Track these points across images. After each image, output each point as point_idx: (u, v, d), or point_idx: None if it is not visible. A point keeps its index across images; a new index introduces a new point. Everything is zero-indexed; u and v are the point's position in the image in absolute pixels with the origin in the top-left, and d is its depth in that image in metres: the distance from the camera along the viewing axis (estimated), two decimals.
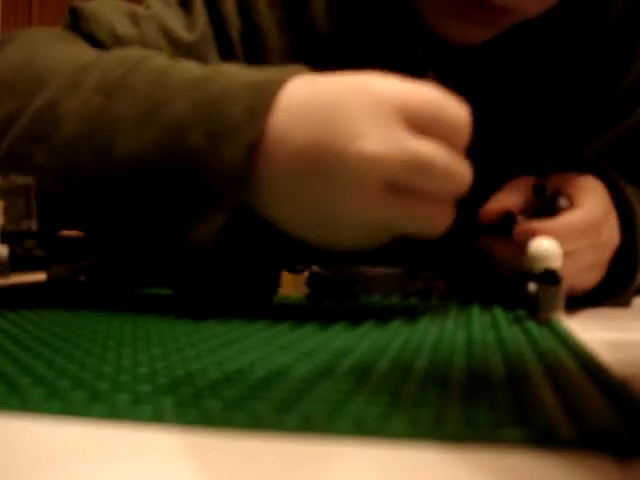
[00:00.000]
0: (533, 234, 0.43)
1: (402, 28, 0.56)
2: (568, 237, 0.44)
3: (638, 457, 0.17)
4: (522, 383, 0.25)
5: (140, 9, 0.55)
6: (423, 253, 0.59)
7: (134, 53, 0.43)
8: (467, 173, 0.36)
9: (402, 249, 0.58)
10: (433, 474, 0.17)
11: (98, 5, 0.54)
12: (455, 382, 0.25)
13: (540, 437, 0.19)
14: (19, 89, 0.43)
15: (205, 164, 0.36)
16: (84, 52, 0.47)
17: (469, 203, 0.40)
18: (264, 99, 0.36)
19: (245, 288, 0.43)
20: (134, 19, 0.54)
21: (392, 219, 0.36)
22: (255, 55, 0.57)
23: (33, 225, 0.81)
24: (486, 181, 0.50)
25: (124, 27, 0.53)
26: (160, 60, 0.42)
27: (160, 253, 0.41)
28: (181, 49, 0.53)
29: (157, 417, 0.21)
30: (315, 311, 0.43)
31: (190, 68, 0.40)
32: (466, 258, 0.57)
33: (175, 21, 0.55)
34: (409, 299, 0.50)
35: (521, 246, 0.43)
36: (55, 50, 0.47)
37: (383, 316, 0.40)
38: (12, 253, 0.80)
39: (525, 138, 0.60)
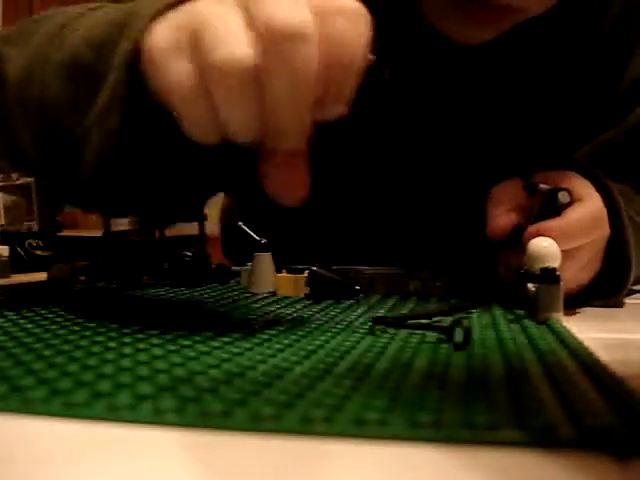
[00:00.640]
0: (543, 235, 0.42)
1: (405, 27, 0.56)
2: (576, 234, 0.44)
3: (637, 457, 0.18)
4: (521, 383, 0.25)
5: None
6: (423, 253, 0.59)
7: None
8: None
9: (402, 249, 0.58)
10: (433, 474, 0.17)
11: None
12: (454, 382, 0.25)
13: (540, 437, 0.19)
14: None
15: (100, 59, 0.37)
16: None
17: (469, 203, 0.39)
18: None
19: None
20: None
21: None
22: None
23: (34, 225, 0.81)
24: (486, 178, 0.50)
25: None
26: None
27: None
28: None
29: (157, 417, 0.21)
30: (315, 311, 0.43)
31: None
32: (465, 258, 0.57)
33: None
34: (409, 299, 0.50)
35: None
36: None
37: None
38: (12, 253, 0.80)
39: (525, 138, 0.60)
